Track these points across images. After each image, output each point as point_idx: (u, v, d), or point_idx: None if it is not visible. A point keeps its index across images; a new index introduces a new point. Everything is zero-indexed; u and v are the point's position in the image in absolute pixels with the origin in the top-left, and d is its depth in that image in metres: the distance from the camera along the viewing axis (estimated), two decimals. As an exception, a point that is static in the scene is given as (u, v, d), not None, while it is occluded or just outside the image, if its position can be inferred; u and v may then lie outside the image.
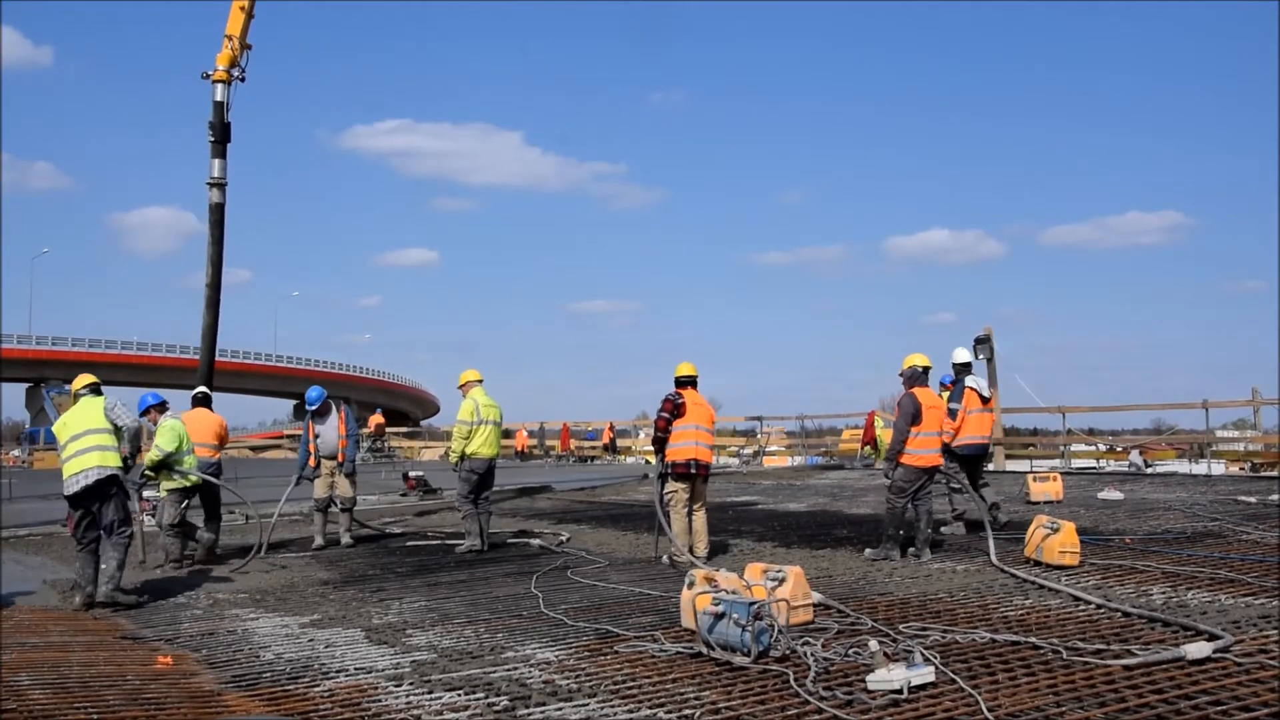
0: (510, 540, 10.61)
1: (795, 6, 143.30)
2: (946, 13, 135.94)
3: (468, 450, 9.91)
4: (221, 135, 14.63)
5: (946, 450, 10.11)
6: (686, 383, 8.75)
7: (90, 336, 69.26)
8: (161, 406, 9.58)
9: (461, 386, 10.27)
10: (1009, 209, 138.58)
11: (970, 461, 10.12)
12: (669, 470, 8.56)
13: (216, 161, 14.69)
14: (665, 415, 8.62)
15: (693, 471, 8.53)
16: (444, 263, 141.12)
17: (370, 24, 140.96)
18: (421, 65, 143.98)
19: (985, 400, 9.85)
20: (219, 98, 14.58)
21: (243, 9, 14.78)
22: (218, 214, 14.72)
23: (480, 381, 10.24)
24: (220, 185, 14.72)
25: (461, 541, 10.07)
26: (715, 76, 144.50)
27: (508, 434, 41.67)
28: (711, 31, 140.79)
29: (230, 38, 14.71)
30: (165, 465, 9.10)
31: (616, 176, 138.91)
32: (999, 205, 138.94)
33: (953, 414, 9.94)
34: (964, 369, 10.37)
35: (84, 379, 7.94)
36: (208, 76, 14.69)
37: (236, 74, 14.72)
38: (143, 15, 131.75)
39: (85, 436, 7.45)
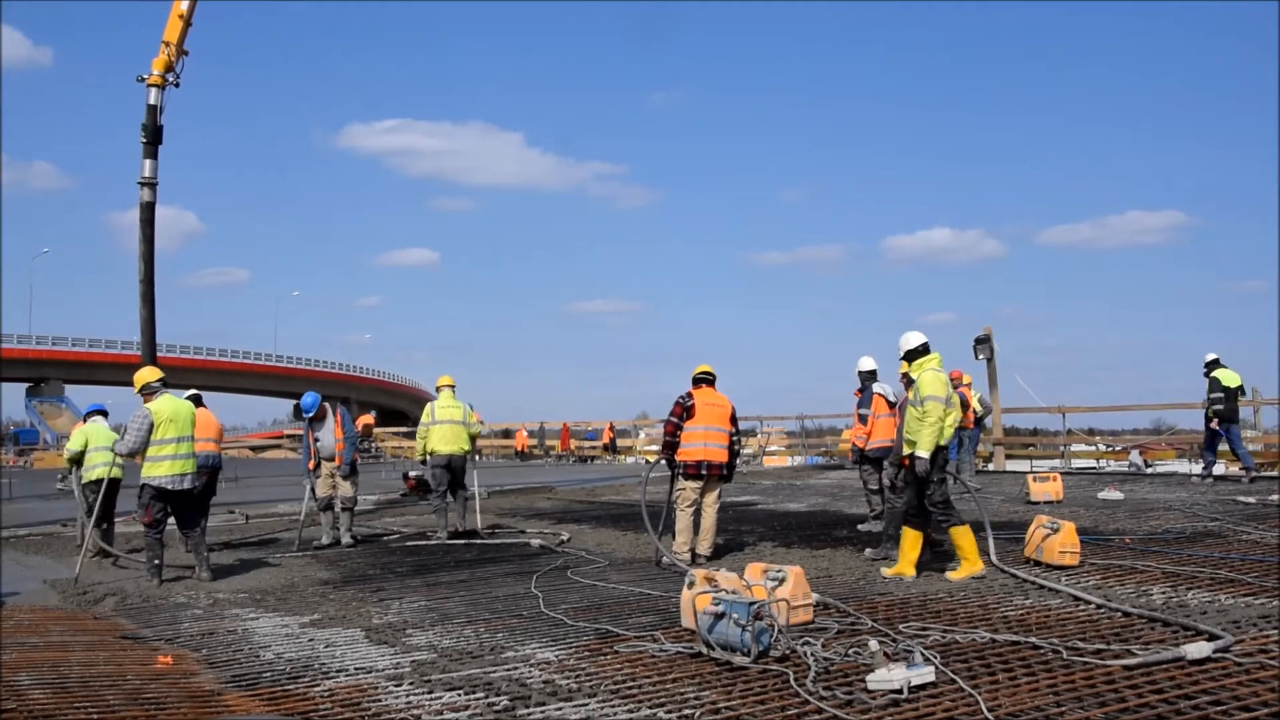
0: (490, 540, 10.61)
1: (795, 6, 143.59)
2: (947, 13, 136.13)
3: (428, 448, 11.14)
4: (153, 137, 14.97)
5: (860, 454, 10.34)
6: (702, 380, 8.74)
7: (90, 336, 69.40)
8: (96, 414, 10.70)
9: (436, 390, 11.64)
10: (1008, 209, 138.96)
11: (881, 464, 10.24)
12: (680, 470, 8.55)
13: (148, 162, 15.05)
14: (674, 420, 8.60)
15: (704, 472, 8.52)
16: (444, 263, 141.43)
17: (368, 23, 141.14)
18: (421, 65, 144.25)
19: (892, 405, 9.91)
20: (152, 101, 14.85)
21: (181, 17, 15.07)
22: (148, 213, 15.10)
23: (452, 386, 11.47)
24: (151, 185, 15.02)
25: (436, 534, 11.05)
26: (715, 76, 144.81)
27: (506, 434, 41.78)
28: (711, 31, 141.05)
29: (167, 44, 14.99)
30: (74, 462, 10.21)
31: (616, 177, 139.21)
32: (999, 205, 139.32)
33: (863, 420, 10.29)
34: (870, 376, 10.55)
35: (155, 373, 8.75)
36: (143, 80, 14.96)
37: (171, 79, 15.01)
38: (143, 16, 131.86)
39: (191, 442, 8.46)
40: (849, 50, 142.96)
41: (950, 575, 7.22)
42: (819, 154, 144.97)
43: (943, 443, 7.29)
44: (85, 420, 10.74)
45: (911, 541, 7.39)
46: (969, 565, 7.22)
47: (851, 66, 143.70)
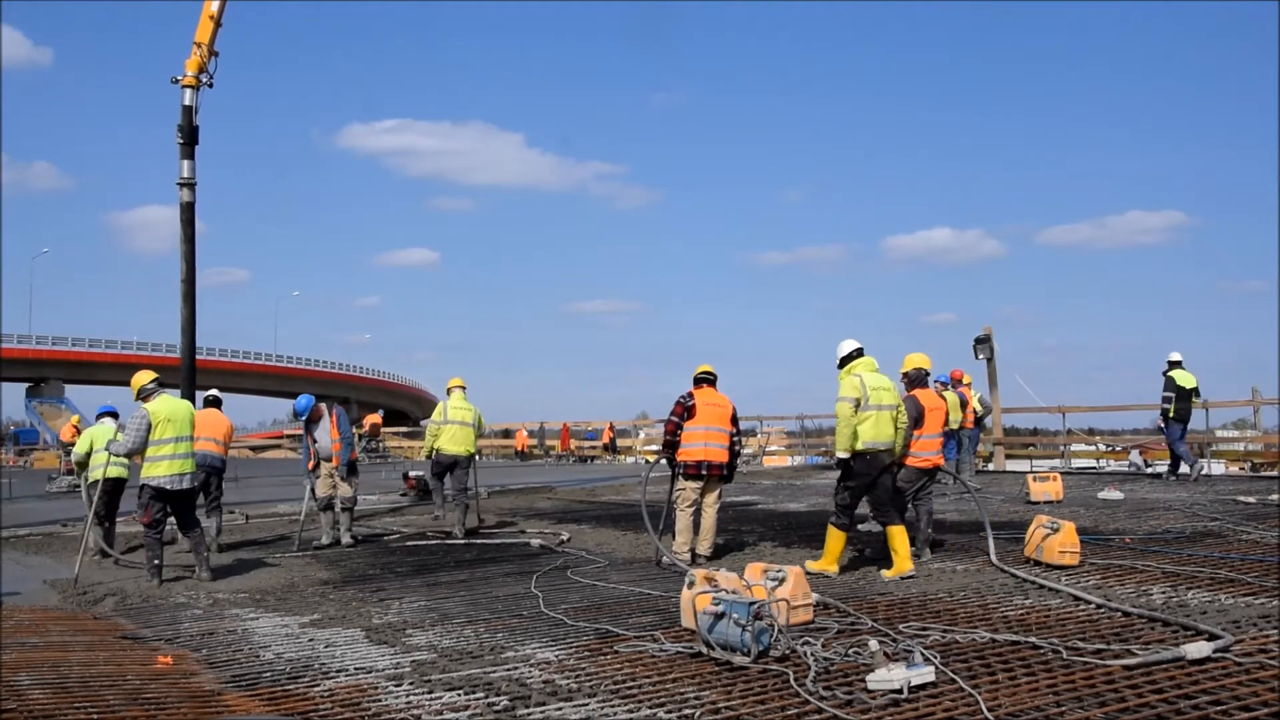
0: (490, 540, 10.61)
1: (795, 6, 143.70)
2: (947, 13, 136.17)
3: (436, 445, 11.58)
4: (190, 138, 15.10)
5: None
6: (703, 380, 8.75)
7: (90, 336, 69.37)
8: (105, 415, 10.84)
9: (447, 391, 11.89)
10: (1009, 209, 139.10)
11: None
12: (681, 470, 8.56)
13: (185, 163, 15.16)
14: (674, 419, 8.61)
15: (704, 473, 8.53)
16: (444, 263, 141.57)
17: (368, 23, 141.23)
18: (421, 65, 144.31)
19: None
20: (187, 102, 14.99)
21: (211, 18, 15.19)
22: (188, 213, 15.22)
23: (463, 388, 11.73)
24: (190, 185, 15.14)
25: (448, 528, 11.38)
26: (715, 76, 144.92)
27: (506, 434, 41.79)
28: (711, 31, 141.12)
29: (199, 45, 15.12)
30: (82, 464, 10.35)
31: (616, 177, 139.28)
32: (999, 205, 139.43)
33: None
34: None
35: (149, 375, 8.72)
36: (176, 81, 15.09)
37: (204, 80, 15.15)
38: (143, 16, 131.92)
39: (190, 442, 8.48)
40: (849, 50, 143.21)
41: (808, 564, 7.58)
42: (819, 154, 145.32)
43: (878, 444, 7.54)
44: (97, 421, 10.84)
45: (898, 539, 7.50)
46: (825, 564, 7.72)
47: (851, 66, 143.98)
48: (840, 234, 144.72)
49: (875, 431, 7.53)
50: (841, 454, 7.52)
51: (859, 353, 7.75)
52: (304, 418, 10.70)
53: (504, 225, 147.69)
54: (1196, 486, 13.93)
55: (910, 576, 7.29)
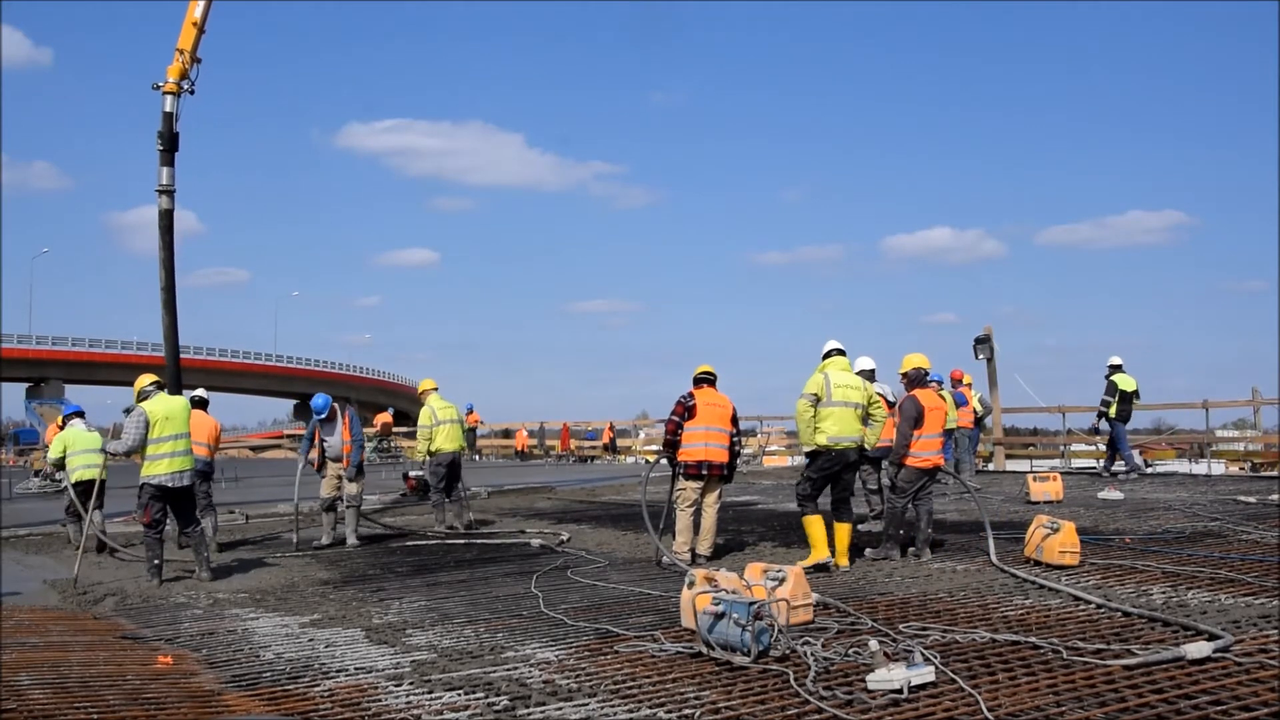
0: (490, 540, 10.61)
1: (795, 6, 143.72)
2: (947, 13, 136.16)
3: (432, 447, 11.79)
4: (170, 145, 15.06)
5: (860, 452, 10.35)
6: (703, 380, 8.75)
7: (90, 336, 69.33)
8: (73, 415, 11.00)
9: (420, 394, 12.35)
10: (1009, 209, 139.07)
11: (881, 464, 10.30)
12: (681, 470, 8.57)
13: (165, 170, 15.14)
14: (675, 419, 8.61)
15: (704, 473, 8.53)
16: (444, 263, 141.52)
17: (368, 23, 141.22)
18: (421, 65, 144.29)
19: (891, 405, 9.91)
20: (168, 109, 14.96)
21: (195, 24, 15.16)
22: (167, 220, 15.22)
23: (436, 389, 12.23)
24: (169, 192, 15.14)
25: (438, 529, 11.64)
26: (715, 75, 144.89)
27: (506, 434, 41.78)
28: (711, 31, 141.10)
29: (181, 51, 15.07)
30: (58, 466, 10.48)
31: (617, 177, 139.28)
32: (999, 205, 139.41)
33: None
34: (869, 376, 10.53)
35: (150, 378, 8.79)
36: (158, 88, 15.05)
37: (186, 86, 15.13)
38: (143, 16, 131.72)
39: (188, 439, 8.52)
40: (849, 50, 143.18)
41: (800, 563, 7.41)
42: (819, 154, 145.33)
43: (842, 440, 7.82)
44: (63, 423, 10.87)
45: (829, 531, 7.83)
46: (816, 555, 7.86)
47: (851, 66, 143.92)
48: (840, 234, 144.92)
49: (839, 428, 7.87)
50: (805, 449, 7.96)
51: (837, 353, 8.15)
52: (321, 416, 10.71)
53: (504, 225, 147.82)
54: (1196, 486, 13.93)
55: (822, 567, 7.63)
